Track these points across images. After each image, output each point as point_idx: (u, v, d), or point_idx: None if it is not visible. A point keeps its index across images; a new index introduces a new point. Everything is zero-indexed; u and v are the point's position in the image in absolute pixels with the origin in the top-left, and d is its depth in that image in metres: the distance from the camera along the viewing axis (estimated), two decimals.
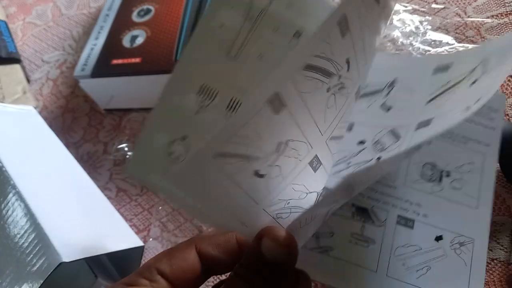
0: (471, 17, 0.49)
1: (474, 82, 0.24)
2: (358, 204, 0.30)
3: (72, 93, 0.65)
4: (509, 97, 0.42)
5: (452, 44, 0.48)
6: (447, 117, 0.24)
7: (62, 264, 0.33)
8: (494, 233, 0.37)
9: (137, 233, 0.48)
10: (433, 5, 0.52)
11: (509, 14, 0.47)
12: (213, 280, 0.42)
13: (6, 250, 0.36)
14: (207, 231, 0.46)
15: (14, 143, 0.45)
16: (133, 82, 0.55)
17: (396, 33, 0.50)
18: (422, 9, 0.52)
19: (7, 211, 0.38)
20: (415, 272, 0.28)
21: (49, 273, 0.33)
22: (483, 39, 0.47)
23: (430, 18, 0.51)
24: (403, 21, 0.51)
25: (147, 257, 0.46)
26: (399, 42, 0.50)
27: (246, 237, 0.24)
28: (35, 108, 0.58)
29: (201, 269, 0.25)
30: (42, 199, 0.39)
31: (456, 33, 0.49)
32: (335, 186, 0.26)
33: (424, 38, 0.49)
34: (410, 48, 0.49)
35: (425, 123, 0.26)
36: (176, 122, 0.25)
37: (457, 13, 0.50)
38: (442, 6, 0.51)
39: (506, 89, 0.43)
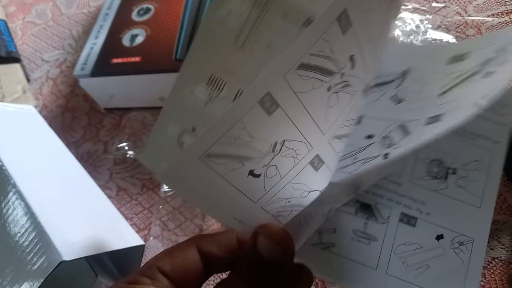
0: (472, 16, 0.49)
1: (487, 75, 0.24)
2: (362, 200, 0.30)
3: (72, 92, 0.65)
4: None
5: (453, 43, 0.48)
6: (456, 113, 0.24)
7: (62, 263, 0.33)
8: (495, 232, 0.37)
9: (137, 232, 0.48)
10: (434, 4, 0.52)
11: (510, 12, 0.47)
12: (213, 279, 0.42)
13: (6, 249, 0.36)
14: (207, 230, 0.46)
15: (14, 142, 0.45)
16: (133, 81, 0.54)
17: (397, 32, 0.50)
18: (423, 8, 0.52)
19: (8, 210, 0.38)
20: (414, 270, 0.28)
21: (50, 272, 0.33)
22: None
23: (430, 17, 0.51)
24: (404, 20, 0.51)
25: (147, 256, 0.46)
26: (399, 41, 0.50)
27: (246, 235, 0.24)
28: (35, 107, 0.58)
29: (202, 268, 0.25)
30: (42, 198, 0.39)
31: (457, 32, 0.49)
32: (340, 186, 0.26)
33: (425, 37, 0.49)
34: None
35: (435, 119, 0.25)
36: (187, 113, 0.25)
37: (457, 12, 0.50)
38: (442, 5, 0.51)
39: None
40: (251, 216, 0.24)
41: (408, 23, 0.51)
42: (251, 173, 0.22)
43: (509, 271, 0.35)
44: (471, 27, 0.48)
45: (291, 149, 0.22)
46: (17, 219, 0.37)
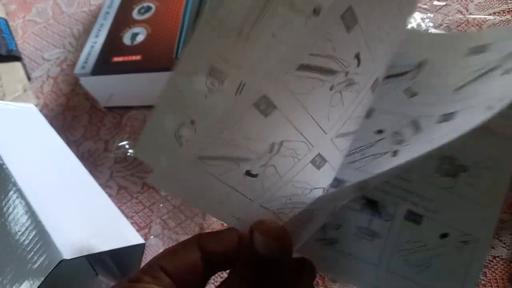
0: (473, 14, 0.49)
1: (507, 71, 0.23)
2: (368, 197, 0.29)
3: (73, 91, 0.65)
4: None
5: None
6: (470, 114, 0.23)
7: (62, 261, 0.33)
8: (497, 231, 0.37)
9: (138, 230, 0.48)
10: (435, 2, 0.51)
11: (511, 11, 0.47)
12: (214, 278, 0.42)
13: (7, 247, 0.36)
14: (208, 228, 0.46)
15: (15, 141, 0.45)
16: (134, 80, 0.54)
17: None
18: (424, 6, 0.52)
19: (8, 208, 0.38)
20: (416, 268, 0.28)
21: (50, 270, 0.33)
22: None
23: (432, 15, 0.50)
24: None
25: (148, 254, 0.46)
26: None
27: (246, 232, 0.24)
28: (36, 106, 0.58)
29: (204, 266, 0.25)
30: (42, 197, 0.39)
31: (458, 30, 0.48)
32: (347, 188, 0.26)
33: None
34: None
35: (448, 117, 0.24)
36: (185, 105, 0.24)
37: (459, 10, 0.50)
38: (444, 3, 0.51)
39: None
40: (250, 213, 0.23)
41: (410, 22, 0.51)
42: (248, 173, 0.22)
43: (510, 270, 0.35)
44: (472, 26, 0.48)
45: (290, 149, 0.22)
46: (18, 217, 0.37)
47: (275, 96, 0.20)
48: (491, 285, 0.35)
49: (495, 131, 0.29)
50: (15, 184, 0.38)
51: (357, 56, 0.22)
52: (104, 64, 0.55)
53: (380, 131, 0.28)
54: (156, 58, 0.53)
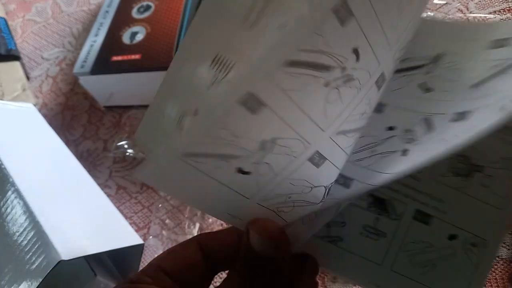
0: (473, 13, 0.49)
1: None
2: (376, 194, 0.28)
3: (72, 90, 0.64)
4: None
5: None
6: (483, 114, 0.22)
7: (61, 262, 0.33)
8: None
9: (137, 231, 0.48)
10: (435, 1, 0.51)
11: (511, 9, 0.47)
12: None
13: (5, 248, 0.36)
14: (207, 229, 0.46)
15: (14, 141, 0.45)
16: (133, 79, 0.54)
17: None
18: None
19: (6, 209, 0.37)
20: (421, 269, 0.28)
21: (48, 271, 0.32)
22: None
23: (432, 14, 0.50)
24: None
25: (147, 255, 0.46)
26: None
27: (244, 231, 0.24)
28: (35, 105, 0.58)
29: (205, 266, 0.25)
30: (41, 197, 0.39)
31: None
32: (356, 193, 0.25)
33: None
34: None
35: (462, 116, 0.23)
36: (188, 93, 0.23)
37: (459, 9, 0.50)
38: (444, 2, 0.51)
39: None
40: (247, 211, 0.23)
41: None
42: (240, 170, 0.21)
43: (510, 270, 0.35)
44: None
45: (284, 146, 0.22)
46: (16, 218, 0.37)
47: (262, 93, 0.19)
48: (491, 285, 0.35)
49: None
50: (13, 184, 0.38)
51: (355, 51, 0.22)
52: (104, 63, 0.55)
53: (391, 128, 0.27)
54: (156, 57, 0.53)
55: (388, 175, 0.25)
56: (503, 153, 0.28)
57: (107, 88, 0.57)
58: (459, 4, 0.50)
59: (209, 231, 0.45)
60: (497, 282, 0.35)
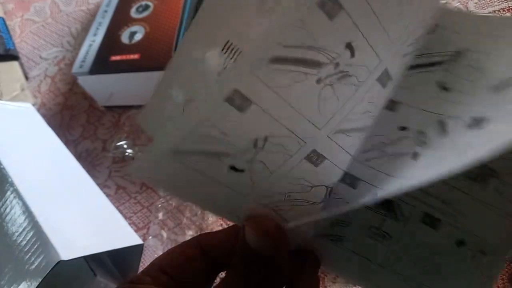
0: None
1: None
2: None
3: (71, 90, 0.64)
4: None
5: None
6: (504, 123, 0.20)
7: (60, 262, 0.32)
8: None
9: (136, 231, 0.47)
10: None
11: (511, 9, 0.47)
12: None
13: (4, 248, 0.36)
14: (207, 229, 0.46)
15: (12, 141, 0.45)
16: (132, 79, 0.54)
17: None
18: None
19: (5, 209, 0.37)
20: (424, 273, 0.27)
21: (48, 271, 0.32)
22: None
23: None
24: None
25: (146, 255, 0.46)
26: (458, 10, 0.49)
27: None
28: (33, 105, 0.57)
29: (205, 265, 0.25)
30: (40, 197, 0.39)
31: None
32: (368, 199, 0.24)
33: None
34: None
35: (477, 123, 0.21)
36: (195, 79, 0.23)
37: (458, 9, 0.50)
38: (444, 1, 0.51)
39: None
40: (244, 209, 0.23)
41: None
42: (232, 168, 0.21)
43: (510, 270, 0.35)
44: None
45: (278, 144, 0.21)
46: (15, 218, 0.36)
47: (248, 91, 0.19)
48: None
49: None
50: (12, 184, 0.38)
51: (349, 47, 0.21)
52: (102, 63, 0.55)
53: (403, 128, 0.26)
54: (155, 57, 0.53)
55: (397, 181, 0.24)
56: None
57: (106, 88, 0.57)
58: (458, 3, 0.50)
59: (208, 231, 0.45)
60: (496, 282, 0.35)
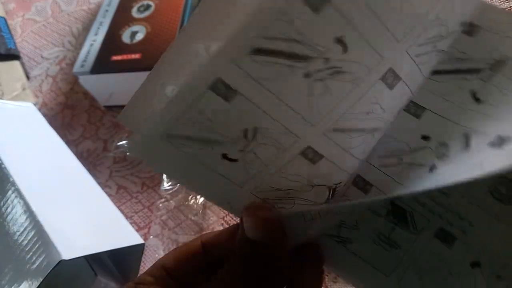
0: None
1: None
2: (397, 203, 0.25)
3: (72, 89, 0.64)
4: None
5: None
6: None
7: (61, 261, 0.32)
8: None
9: (137, 230, 0.47)
10: None
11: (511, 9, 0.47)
12: None
13: (5, 247, 0.36)
14: (208, 229, 0.46)
15: (14, 140, 0.45)
16: (133, 79, 0.54)
17: None
18: None
19: (7, 208, 0.37)
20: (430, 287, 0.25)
21: (49, 271, 0.32)
22: None
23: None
24: None
25: (147, 254, 0.46)
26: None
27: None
28: (35, 104, 0.57)
29: (207, 264, 0.25)
30: (41, 197, 0.39)
31: None
32: (377, 201, 0.24)
33: None
34: None
35: (501, 142, 0.20)
36: (183, 69, 0.22)
37: None
38: None
39: None
40: (242, 200, 0.23)
41: None
42: (225, 157, 0.22)
43: None
44: None
45: (269, 137, 0.21)
46: (16, 217, 0.36)
47: (232, 80, 0.19)
48: None
49: None
50: (13, 183, 0.38)
51: (340, 41, 0.20)
52: (103, 63, 0.55)
53: (426, 137, 0.24)
54: (156, 56, 0.52)
55: (408, 192, 0.24)
56: None
57: (107, 87, 0.57)
58: None
59: (209, 231, 0.45)
60: None
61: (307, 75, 0.20)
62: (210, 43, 0.21)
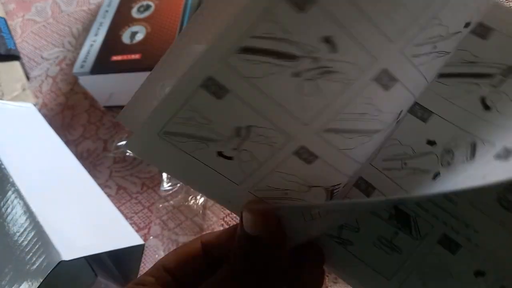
0: None
1: None
2: (400, 207, 0.25)
3: (72, 90, 0.64)
4: None
5: None
6: None
7: (61, 262, 0.32)
8: None
9: (137, 231, 0.47)
10: None
11: None
12: None
13: (5, 248, 0.36)
14: (208, 229, 0.46)
15: (14, 141, 0.45)
16: (133, 79, 0.54)
17: None
18: None
19: (6, 209, 0.37)
20: None
21: (49, 271, 0.32)
22: None
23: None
24: None
25: (147, 255, 0.46)
26: None
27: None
28: (35, 105, 0.57)
29: (207, 264, 0.26)
30: (41, 197, 0.39)
31: None
32: (379, 202, 0.24)
33: None
34: None
35: (507, 154, 0.19)
36: (177, 68, 0.23)
37: None
38: None
39: None
40: (239, 199, 0.23)
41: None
42: (221, 154, 0.22)
43: None
44: None
45: (262, 135, 0.21)
46: (16, 218, 0.36)
47: (223, 78, 0.20)
48: None
49: None
50: (13, 184, 0.38)
51: (328, 41, 0.20)
52: (103, 63, 0.55)
53: (432, 143, 0.24)
54: (156, 56, 0.53)
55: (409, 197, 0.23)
56: None
57: (107, 88, 0.57)
58: None
59: (209, 231, 0.45)
60: None
61: (296, 75, 0.20)
62: (205, 43, 0.21)
